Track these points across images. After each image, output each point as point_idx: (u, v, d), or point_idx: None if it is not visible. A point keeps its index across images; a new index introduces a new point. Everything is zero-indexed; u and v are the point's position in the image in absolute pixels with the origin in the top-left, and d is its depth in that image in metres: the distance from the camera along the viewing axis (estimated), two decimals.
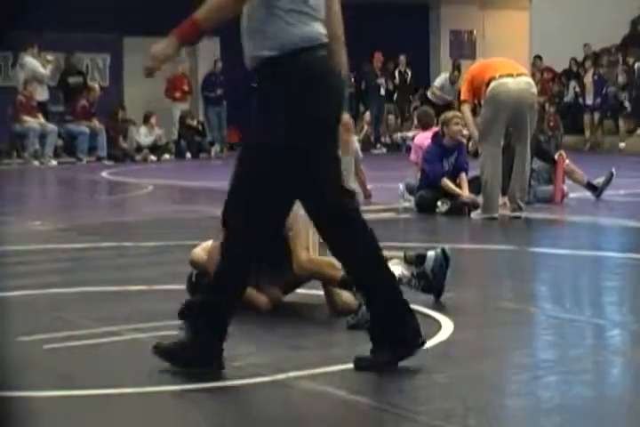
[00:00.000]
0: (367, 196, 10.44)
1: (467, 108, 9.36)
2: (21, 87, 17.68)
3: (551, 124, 18.89)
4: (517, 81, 8.92)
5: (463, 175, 9.63)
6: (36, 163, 17.46)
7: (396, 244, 7.58)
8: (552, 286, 6.16)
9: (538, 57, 20.79)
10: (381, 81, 21.27)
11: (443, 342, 4.45)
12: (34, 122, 17.53)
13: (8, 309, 5.33)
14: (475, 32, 23.25)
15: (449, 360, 4.18)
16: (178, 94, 19.78)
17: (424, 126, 10.73)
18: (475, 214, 9.15)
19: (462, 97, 9.51)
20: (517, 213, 8.97)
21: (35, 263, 6.86)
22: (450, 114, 9.81)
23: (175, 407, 3.64)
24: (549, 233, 8.72)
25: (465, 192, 9.47)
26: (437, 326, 4.72)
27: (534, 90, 9.10)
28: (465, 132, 9.76)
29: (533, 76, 20.05)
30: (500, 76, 8.92)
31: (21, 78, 17.78)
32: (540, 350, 4.53)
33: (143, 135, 18.94)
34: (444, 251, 5.24)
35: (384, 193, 10.62)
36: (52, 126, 17.84)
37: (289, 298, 5.24)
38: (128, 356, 4.37)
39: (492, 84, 8.90)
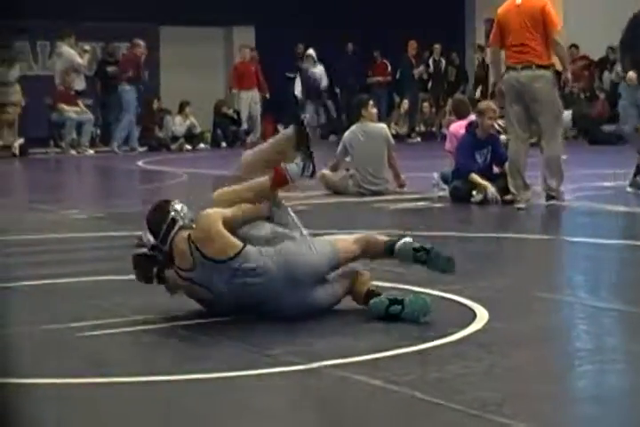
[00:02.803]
0: (401, 185, 10.44)
1: (491, 53, 9.41)
2: (60, 77, 17.78)
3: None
4: (518, 76, 8.96)
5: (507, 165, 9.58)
6: (73, 152, 17.56)
7: (432, 233, 7.57)
8: (588, 275, 6.13)
9: (574, 46, 20.63)
10: (416, 70, 21.20)
11: (478, 331, 4.44)
12: (71, 111, 17.61)
13: (36, 297, 5.37)
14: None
15: (484, 349, 4.17)
16: (244, 82, 19.68)
17: (459, 115, 10.69)
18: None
19: (489, 42, 9.58)
20: (551, 202, 8.92)
21: (71, 252, 6.90)
22: (485, 105, 9.76)
23: (209, 395, 3.66)
24: (586, 222, 8.67)
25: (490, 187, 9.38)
26: (472, 315, 4.71)
27: (538, 83, 8.96)
28: (496, 126, 9.73)
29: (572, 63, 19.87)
30: (507, 69, 9.05)
31: (58, 68, 17.88)
32: (575, 340, 4.51)
33: (178, 124, 18.98)
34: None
35: (419, 182, 10.60)
36: (88, 116, 17.92)
37: None
38: (163, 344, 4.40)
39: (504, 76, 9.07)
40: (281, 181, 4.88)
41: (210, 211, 4.74)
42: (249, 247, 4.65)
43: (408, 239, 4.93)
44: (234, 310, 4.72)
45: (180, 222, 4.77)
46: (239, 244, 4.64)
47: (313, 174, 4.98)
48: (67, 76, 17.67)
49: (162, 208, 4.85)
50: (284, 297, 4.64)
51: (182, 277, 4.70)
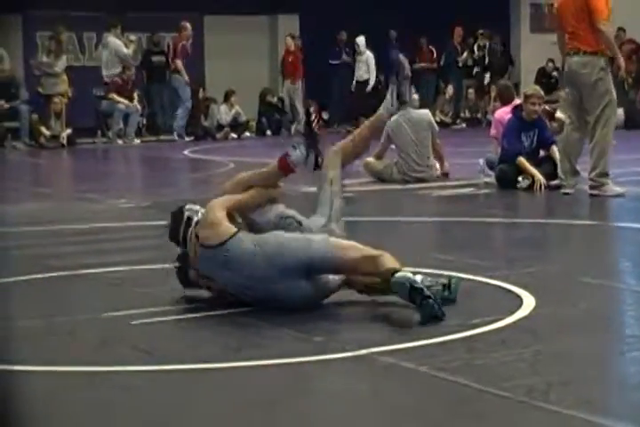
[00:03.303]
0: (445, 173, 10.42)
1: (557, 39, 9.29)
2: (118, 70, 17.88)
3: None
4: (570, 62, 8.95)
5: (554, 148, 9.55)
6: (120, 142, 17.68)
7: (477, 219, 7.57)
8: (635, 260, 6.09)
9: (621, 29, 20.43)
10: (460, 58, 21.12)
11: (524, 317, 4.44)
12: (121, 102, 17.70)
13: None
14: (556, 5, 22.89)
15: (531, 336, 4.17)
16: (284, 72, 19.80)
17: (504, 101, 10.65)
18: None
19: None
20: (594, 192, 8.82)
21: (119, 240, 6.97)
22: (530, 91, 9.76)
23: (259, 382, 3.69)
24: (632, 207, 8.61)
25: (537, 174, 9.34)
26: (519, 301, 4.71)
27: (585, 69, 8.90)
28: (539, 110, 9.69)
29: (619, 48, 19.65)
30: (566, 55, 9.03)
31: (105, 58, 18.00)
32: (623, 326, 4.49)
33: (224, 113, 19.04)
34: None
35: (464, 168, 10.57)
36: (136, 106, 18.02)
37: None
38: (214, 331, 4.43)
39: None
40: (284, 168, 4.90)
41: (215, 200, 4.77)
42: (241, 234, 4.64)
43: (416, 277, 4.46)
44: (242, 298, 4.70)
45: (196, 218, 4.79)
46: (231, 231, 4.63)
47: (316, 167, 4.93)
48: (127, 70, 17.84)
49: (175, 214, 4.91)
50: (271, 286, 4.60)
51: (199, 275, 4.76)
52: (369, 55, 19.94)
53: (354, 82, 20.02)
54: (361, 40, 19.80)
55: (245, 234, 4.67)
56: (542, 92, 9.80)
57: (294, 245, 4.57)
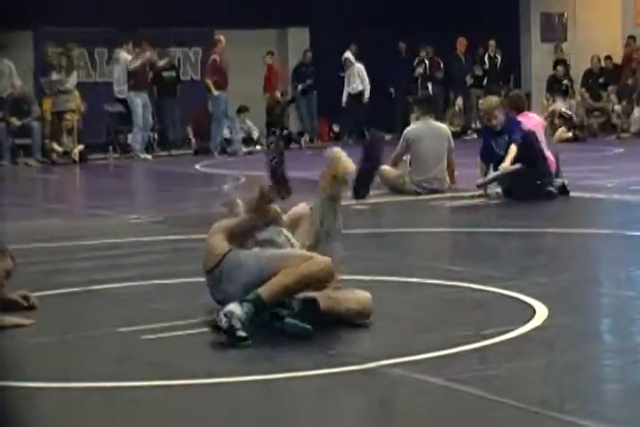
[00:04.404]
0: (453, 181, 10.42)
1: None
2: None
3: None
4: None
5: (512, 146, 9.61)
6: (135, 156, 17.68)
7: (489, 229, 7.56)
8: None
9: (631, 37, 20.43)
10: (468, 67, 21.11)
11: (537, 327, 4.43)
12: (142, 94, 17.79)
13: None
14: (566, 14, 22.89)
15: (544, 346, 4.16)
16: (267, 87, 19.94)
17: (517, 110, 10.63)
18: None
19: None
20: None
21: (132, 256, 6.97)
22: (486, 107, 9.86)
23: (271, 396, 3.69)
24: None
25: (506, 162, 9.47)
26: (532, 311, 4.70)
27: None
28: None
29: (629, 58, 19.75)
30: None
31: (116, 74, 18.04)
32: (636, 335, 4.48)
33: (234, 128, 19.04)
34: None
35: (475, 179, 10.54)
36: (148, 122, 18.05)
37: (379, 286, 5.25)
38: (224, 346, 4.43)
39: None
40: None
41: (214, 225, 4.92)
42: (232, 253, 4.74)
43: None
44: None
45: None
46: (225, 250, 4.76)
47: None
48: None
49: None
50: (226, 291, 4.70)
51: None
52: (359, 67, 19.94)
53: (345, 96, 19.89)
54: (348, 54, 19.88)
55: (233, 252, 4.75)
56: (499, 102, 9.96)
57: (243, 266, 4.69)
